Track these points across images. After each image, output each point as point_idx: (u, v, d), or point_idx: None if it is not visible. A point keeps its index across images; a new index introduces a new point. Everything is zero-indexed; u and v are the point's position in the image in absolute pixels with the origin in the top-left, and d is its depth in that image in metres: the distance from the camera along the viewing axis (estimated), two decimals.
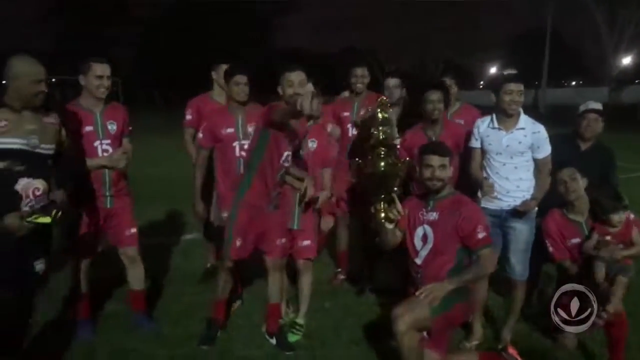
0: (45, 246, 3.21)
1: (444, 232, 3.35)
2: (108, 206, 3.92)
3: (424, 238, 3.43)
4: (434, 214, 3.42)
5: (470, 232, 3.28)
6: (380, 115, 3.72)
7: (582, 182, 3.76)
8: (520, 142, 3.75)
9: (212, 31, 45.51)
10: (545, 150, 3.77)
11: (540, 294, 4.51)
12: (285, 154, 3.74)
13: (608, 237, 3.58)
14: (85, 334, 3.97)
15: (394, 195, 3.53)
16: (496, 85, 3.81)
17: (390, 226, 3.49)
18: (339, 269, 5.29)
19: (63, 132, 3.29)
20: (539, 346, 3.90)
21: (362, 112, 4.88)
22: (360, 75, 4.94)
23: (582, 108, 4.31)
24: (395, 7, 37.91)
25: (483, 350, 3.82)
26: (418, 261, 3.45)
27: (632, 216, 3.65)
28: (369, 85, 5.02)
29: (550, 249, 3.83)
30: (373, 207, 3.76)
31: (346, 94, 5.22)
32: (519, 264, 3.85)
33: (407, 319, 3.08)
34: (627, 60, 35.43)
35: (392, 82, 4.85)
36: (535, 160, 3.80)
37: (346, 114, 4.99)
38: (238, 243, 3.80)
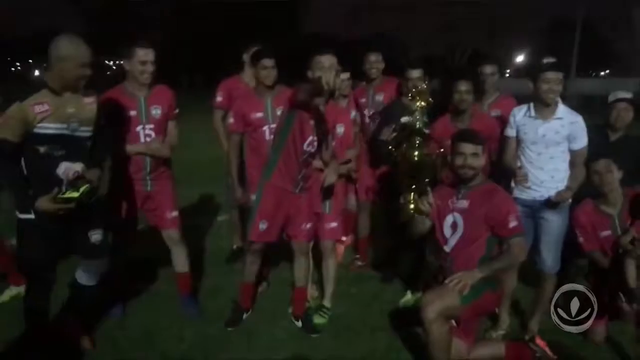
0: (100, 218, 3.33)
1: (474, 220, 3.33)
2: (148, 189, 3.93)
3: (454, 226, 3.42)
4: (465, 202, 3.40)
5: (501, 220, 3.26)
6: (418, 104, 3.71)
7: (617, 174, 3.71)
8: (557, 132, 3.68)
9: (239, 14, 45.50)
10: (582, 141, 3.70)
11: None
12: (310, 138, 3.73)
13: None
14: (117, 311, 4.06)
15: (427, 187, 3.53)
16: (534, 73, 3.75)
17: (420, 217, 3.49)
18: (357, 256, 5.32)
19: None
20: (567, 339, 3.86)
21: (377, 98, 4.94)
22: (374, 61, 4.95)
23: (611, 98, 4.24)
24: None
25: (511, 340, 3.80)
26: (447, 249, 3.44)
27: None
28: (389, 72, 5.02)
29: (581, 239, 3.81)
30: (402, 198, 3.75)
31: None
32: (550, 257, 3.80)
33: (436, 306, 3.07)
34: None
35: (415, 73, 4.57)
36: (571, 152, 3.73)
37: (363, 100, 5.02)
38: (261, 226, 3.84)
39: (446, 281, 3.19)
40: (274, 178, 3.81)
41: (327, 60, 3.74)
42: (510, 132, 3.88)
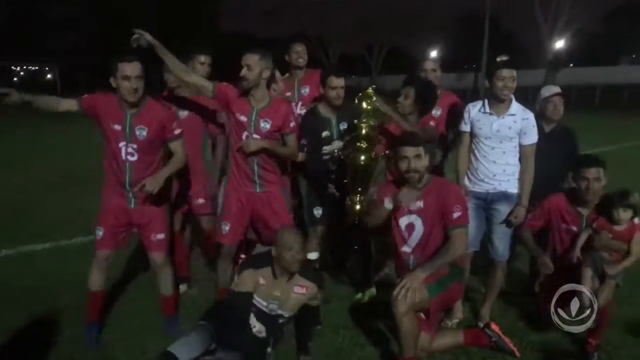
0: None
1: (431, 218, 3.45)
2: (132, 206, 3.75)
3: (410, 227, 3.52)
4: (419, 202, 3.50)
5: (447, 211, 3.37)
6: (365, 107, 3.75)
7: (604, 182, 3.66)
8: (510, 128, 3.87)
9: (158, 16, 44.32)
10: (532, 137, 3.90)
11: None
12: (244, 134, 3.85)
13: (607, 232, 3.59)
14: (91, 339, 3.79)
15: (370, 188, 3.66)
16: (490, 71, 3.92)
17: (363, 217, 3.61)
18: None
19: None
20: (517, 324, 4.10)
21: (303, 91, 4.93)
22: (301, 51, 4.89)
23: (545, 93, 4.48)
24: None
25: (467, 327, 3.98)
26: (407, 249, 3.54)
27: (637, 220, 3.57)
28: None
29: (532, 218, 3.90)
30: (348, 199, 3.82)
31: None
32: (501, 245, 4.01)
33: (406, 300, 3.15)
34: (560, 44, 36.83)
35: (339, 82, 4.31)
36: (521, 146, 3.93)
37: (288, 94, 4.92)
38: (224, 227, 3.96)
39: (394, 294, 3.20)
40: (231, 180, 3.96)
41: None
42: (464, 127, 4.04)
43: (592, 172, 3.62)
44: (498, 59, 3.91)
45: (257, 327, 3.45)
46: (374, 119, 3.85)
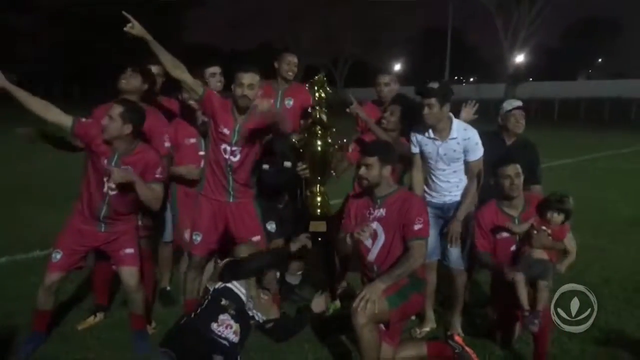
0: None
1: (392, 227, 3.45)
2: (101, 230, 3.73)
3: (374, 235, 3.51)
4: (382, 210, 3.51)
5: (409, 223, 3.38)
6: (317, 94, 3.78)
7: (522, 176, 3.85)
8: (454, 150, 3.94)
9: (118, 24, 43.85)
10: (476, 154, 3.94)
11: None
12: (222, 147, 3.84)
13: (544, 228, 3.67)
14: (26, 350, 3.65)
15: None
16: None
17: (343, 239, 3.56)
18: None
19: None
20: (481, 336, 4.10)
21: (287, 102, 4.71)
22: (292, 63, 4.72)
23: (507, 107, 4.54)
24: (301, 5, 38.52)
25: (431, 339, 3.99)
26: (371, 258, 3.53)
27: (567, 224, 3.70)
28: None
29: (477, 238, 3.91)
30: (309, 191, 3.83)
31: None
32: (454, 253, 4.05)
33: (366, 312, 3.13)
34: (520, 59, 37.86)
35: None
36: (466, 162, 3.98)
37: (271, 100, 4.84)
38: (195, 238, 3.95)
39: (353, 305, 3.19)
40: (204, 189, 3.94)
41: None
42: (414, 149, 4.09)
43: (511, 169, 3.75)
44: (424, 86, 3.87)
45: (233, 327, 3.31)
46: (326, 105, 3.91)
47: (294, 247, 3.87)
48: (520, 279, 3.54)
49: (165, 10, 47.01)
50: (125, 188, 3.56)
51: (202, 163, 4.11)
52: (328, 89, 3.85)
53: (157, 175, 3.68)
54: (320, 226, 4.18)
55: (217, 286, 3.45)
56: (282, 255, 3.95)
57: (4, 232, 6.53)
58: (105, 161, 3.55)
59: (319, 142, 3.67)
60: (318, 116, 3.75)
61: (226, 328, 3.28)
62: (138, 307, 3.88)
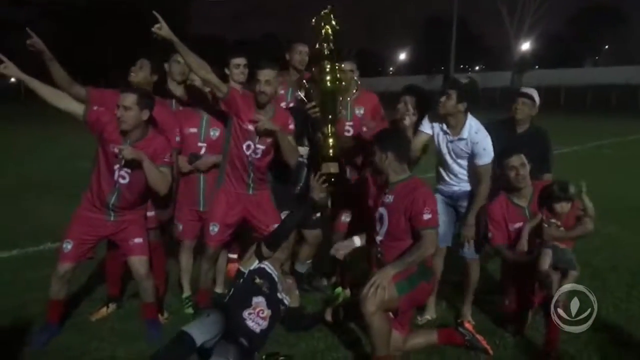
0: None
1: (397, 213, 3.46)
2: (111, 219, 3.80)
3: (381, 219, 3.54)
4: (390, 197, 3.52)
5: (417, 212, 3.37)
6: (324, 30, 3.79)
7: (528, 168, 3.85)
8: (462, 149, 3.95)
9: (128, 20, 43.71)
10: (484, 159, 3.89)
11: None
12: (246, 144, 3.94)
13: (553, 220, 3.70)
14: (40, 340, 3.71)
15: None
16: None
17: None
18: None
19: None
20: (491, 323, 4.14)
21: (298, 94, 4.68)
22: (304, 52, 4.72)
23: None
24: None
25: (439, 326, 4.00)
26: (379, 238, 3.57)
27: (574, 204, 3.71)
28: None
29: (491, 233, 3.93)
30: (321, 133, 3.86)
31: None
32: (468, 243, 4.05)
33: (375, 299, 3.16)
34: (526, 47, 37.64)
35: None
36: (475, 165, 3.94)
37: (282, 92, 4.74)
38: (212, 228, 4.05)
39: (364, 292, 3.22)
40: (225, 184, 4.05)
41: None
42: (425, 128, 4.05)
43: (516, 160, 3.78)
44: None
45: (265, 312, 3.61)
46: (333, 40, 3.93)
47: (315, 195, 4.01)
48: (556, 278, 3.54)
49: (173, 3, 47.00)
50: (136, 175, 3.64)
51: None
52: (334, 23, 3.82)
53: (165, 160, 3.73)
54: (332, 167, 4.15)
55: (252, 267, 3.74)
56: (306, 208, 4.13)
57: (15, 225, 6.61)
58: (116, 149, 3.58)
59: (328, 78, 3.63)
60: (325, 52, 3.73)
61: (258, 314, 3.58)
62: (149, 296, 3.94)
